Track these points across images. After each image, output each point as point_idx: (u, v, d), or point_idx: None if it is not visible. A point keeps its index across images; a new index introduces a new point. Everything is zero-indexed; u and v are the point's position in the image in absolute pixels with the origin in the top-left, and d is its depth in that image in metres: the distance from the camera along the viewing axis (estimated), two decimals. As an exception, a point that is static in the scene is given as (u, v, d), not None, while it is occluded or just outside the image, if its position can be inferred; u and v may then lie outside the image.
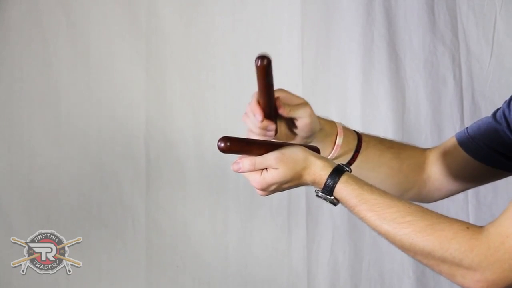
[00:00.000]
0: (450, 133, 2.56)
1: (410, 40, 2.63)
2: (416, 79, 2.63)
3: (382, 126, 2.62)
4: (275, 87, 1.35)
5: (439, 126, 2.62)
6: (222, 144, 1.22)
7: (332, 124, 1.47)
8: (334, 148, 1.46)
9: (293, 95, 1.40)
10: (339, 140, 1.46)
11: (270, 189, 1.29)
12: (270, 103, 1.33)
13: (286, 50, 2.65)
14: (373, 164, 1.51)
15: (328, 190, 1.26)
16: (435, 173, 1.56)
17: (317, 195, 1.28)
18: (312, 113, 1.39)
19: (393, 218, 1.20)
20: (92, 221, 2.62)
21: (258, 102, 1.33)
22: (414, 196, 1.57)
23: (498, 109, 1.49)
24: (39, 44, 2.61)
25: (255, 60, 1.23)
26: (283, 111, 1.36)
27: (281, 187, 1.29)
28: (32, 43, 2.61)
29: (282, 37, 2.65)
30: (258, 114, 1.33)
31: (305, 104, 1.39)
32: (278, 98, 1.36)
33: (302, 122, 1.39)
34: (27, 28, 2.61)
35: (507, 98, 1.50)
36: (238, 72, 2.65)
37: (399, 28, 2.63)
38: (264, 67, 1.24)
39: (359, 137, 1.50)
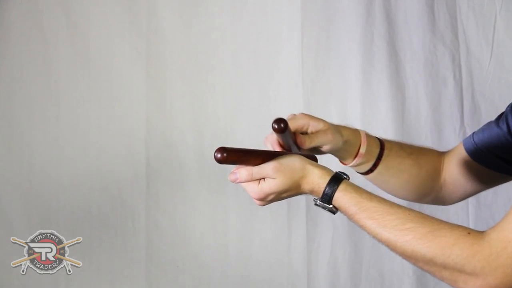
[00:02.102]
0: (450, 133, 2.57)
1: (410, 40, 2.63)
2: (416, 79, 2.63)
3: (382, 126, 2.62)
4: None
5: (439, 126, 2.62)
6: (219, 155, 1.21)
7: (356, 133, 1.47)
8: (357, 157, 1.47)
9: (312, 119, 1.40)
10: (362, 150, 1.47)
11: (268, 199, 1.29)
12: (289, 140, 1.34)
13: (286, 50, 2.65)
14: (394, 170, 1.51)
15: (326, 199, 1.25)
16: (449, 177, 1.56)
17: (316, 204, 1.27)
18: (332, 138, 1.39)
19: (394, 225, 1.20)
20: (92, 221, 2.62)
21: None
22: (432, 200, 1.58)
23: (501, 114, 1.49)
24: (39, 44, 2.61)
25: (273, 123, 1.25)
26: (303, 145, 1.36)
27: (279, 196, 1.29)
28: (32, 43, 2.61)
29: (282, 37, 2.65)
30: (276, 149, 1.34)
31: (324, 130, 1.39)
32: (296, 133, 1.36)
33: (324, 148, 1.40)
34: (27, 28, 2.61)
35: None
36: (238, 72, 2.65)
37: (399, 28, 2.63)
38: (282, 131, 1.25)
39: (382, 144, 1.51)
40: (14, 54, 2.61)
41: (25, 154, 2.62)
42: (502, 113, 1.49)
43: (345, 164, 1.50)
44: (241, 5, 2.65)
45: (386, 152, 1.50)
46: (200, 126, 2.64)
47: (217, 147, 1.22)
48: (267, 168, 1.26)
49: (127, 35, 2.64)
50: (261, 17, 2.66)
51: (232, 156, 1.23)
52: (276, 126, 1.24)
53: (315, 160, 1.33)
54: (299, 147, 1.36)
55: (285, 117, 1.38)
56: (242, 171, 1.27)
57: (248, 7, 2.65)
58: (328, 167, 1.31)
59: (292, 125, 1.36)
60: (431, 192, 1.58)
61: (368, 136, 1.49)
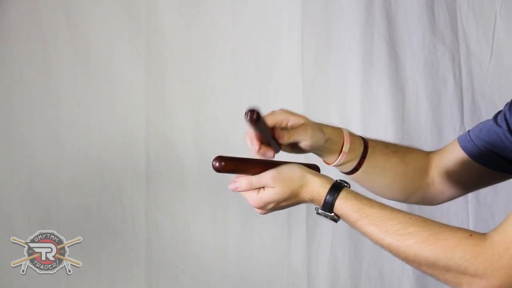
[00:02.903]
0: (450, 133, 2.57)
1: (410, 40, 2.63)
2: (416, 79, 2.63)
3: (382, 126, 2.62)
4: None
5: (439, 126, 2.62)
6: (217, 164, 1.23)
7: (339, 131, 1.47)
8: (340, 156, 1.46)
9: (292, 115, 1.39)
10: (345, 148, 1.46)
11: (268, 208, 1.29)
12: (267, 134, 1.33)
13: (286, 50, 2.65)
14: (379, 169, 1.51)
15: (328, 207, 1.26)
16: (438, 176, 1.56)
17: (317, 213, 1.28)
18: (312, 133, 1.39)
19: (395, 230, 1.20)
20: (92, 221, 2.62)
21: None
22: (419, 200, 1.58)
23: (499, 112, 1.49)
24: (39, 44, 2.62)
25: (245, 114, 1.23)
26: (282, 140, 1.35)
27: (278, 205, 1.29)
28: (32, 43, 2.61)
29: (282, 37, 2.65)
30: (255, 144, 1.33)
31: (304, 125, 1.39)
32: (275, 128, 1.35)
33: (304, 144, 1.39)
34: (27, 28, 2.61)
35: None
36: (238, 72, 2.65)
37: (399, 28, 2.63)
38: (255, 121, 1.24)
39: (365, 143, 1.50)
40: (14, 54, 2.61)
41: (25, 154, 2.62)
42: (500, 112, 1.49)
43: (329, 164, 1.49)
44: (241, 5, 2.65)
45: (370, 150, 1.50)
46: (200, 126, 2.64)
47: (215, 156, 1.24)
48: (266, 177, 1.27)
49: (127, 35, 2.64)
50: (261, 17, 2.66)
51: (229, 165, 1.25)
52: (248, 117, 1.23)
53: (318, 169, 1.33)
54: (278, 143, 1.36)
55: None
56: (242, 180, 1.28)
57: (248, 7, 2.65)
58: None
59: (271, 120, 1.36)
60: (418, 191, 1.57)
61: (351, 134, 1.49)
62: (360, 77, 2.63)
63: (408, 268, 2.59)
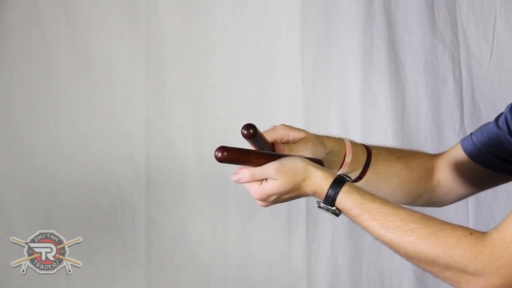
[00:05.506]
0: (450, 133, 2.58)
1: (410, 40, 2.63)
2: (416, 79, 2.63)
3: (382, 126, 2.62)
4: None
5: (439, 126, 2.62)
6: (219, 154, 1.23)
7: (340, 142, 1.47)
8: (342, 167, 1.47)
9: (292, 129, 1.40)
10: (347, 159, 1.47)
11: (270, 200, 1.29)
12: (266, 149, 1.34)
13: (286, 50, 2.65)
14: (383, 175, 1.51)
15: (329, 201, 1.25)
16: (444, 179, 1.56)
17: (319, 206, 1.27)
18: (313, 147, 1.40)
19: (396, 226, 1.20)
20: (92, 221, 2.62)
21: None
22: (425, 202, 1.58)
23: (500, 114, 1.49)
24: (39, 44, 2.61)
25: (241, 129, 1.24)
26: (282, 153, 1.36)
27: (280, 198, 1.29)
28: (32, 43, 2.61)
29: (282, 37, 2.65)
30: None
31: (305, 139, 1.40)
32: (276, 143, 1.37)
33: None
34: (27, 28, 2.61)
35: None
36: (238, 72, 2.65)
37: (399, 28, 2.63)
38: (251, 136, 1.24)
39: (369, 151, 1.50)
40: (14, 54, 2.61)
41: (25, 154, 2.61)
42: (501, 114, 1.50)
43: None
44: (241, 5, 2.65)
45: (373, 158, 1.50)
46: (200, 126, 2.64)
47: (217, 146, 1.23)
48: (269, 169, 1.27)
49: (127, 35, 2.64)
50: (261, 17, 2.66)
51: (232, 155, 1.24)
52: (245, 132, 1.24)
53: (321, 163, 1.33)
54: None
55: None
56: (245, 172, 1.28)
57: (248, 7, 2.65)
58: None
59: (271, 136, 1.37)
60: (424, 195, 1.57)
61: (353, 144, 1.49)
62: (360, 77, 2.63)
63: (408, 268, 2.59)
